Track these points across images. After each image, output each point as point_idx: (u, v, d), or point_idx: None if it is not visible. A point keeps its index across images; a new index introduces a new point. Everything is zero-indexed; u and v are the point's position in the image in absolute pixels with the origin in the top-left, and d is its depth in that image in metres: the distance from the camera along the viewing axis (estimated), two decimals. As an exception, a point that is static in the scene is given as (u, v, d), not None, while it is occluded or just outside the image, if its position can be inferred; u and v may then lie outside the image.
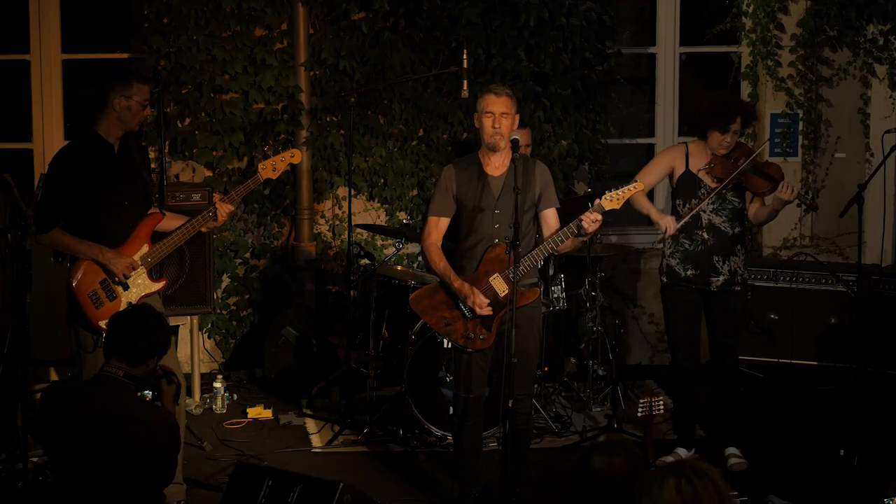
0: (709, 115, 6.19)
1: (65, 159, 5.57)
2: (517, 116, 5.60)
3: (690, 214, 6.21)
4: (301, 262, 8.07)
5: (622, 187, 5.50)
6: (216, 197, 5.79)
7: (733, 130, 6.14)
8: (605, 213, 5.48)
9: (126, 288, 5.54)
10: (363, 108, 7.90)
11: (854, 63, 8.28)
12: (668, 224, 6.22)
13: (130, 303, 5.52)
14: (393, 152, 8.02)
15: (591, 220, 5.44)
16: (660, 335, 8.32)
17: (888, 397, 7.32)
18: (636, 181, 5.60)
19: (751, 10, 8.24)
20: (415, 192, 8.09)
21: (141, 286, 5.58)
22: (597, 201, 5.49)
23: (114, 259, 5.49)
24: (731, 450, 6.41)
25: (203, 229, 5.73)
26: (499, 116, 5.49)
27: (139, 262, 5.55)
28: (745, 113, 6.22)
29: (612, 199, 5.49)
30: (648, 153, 8.53)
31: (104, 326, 5.45)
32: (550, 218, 5.65)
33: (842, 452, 6.29)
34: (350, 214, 7.13)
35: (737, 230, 6.25)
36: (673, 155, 6.36)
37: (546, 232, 5.64)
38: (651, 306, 8.35)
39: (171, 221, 5.73)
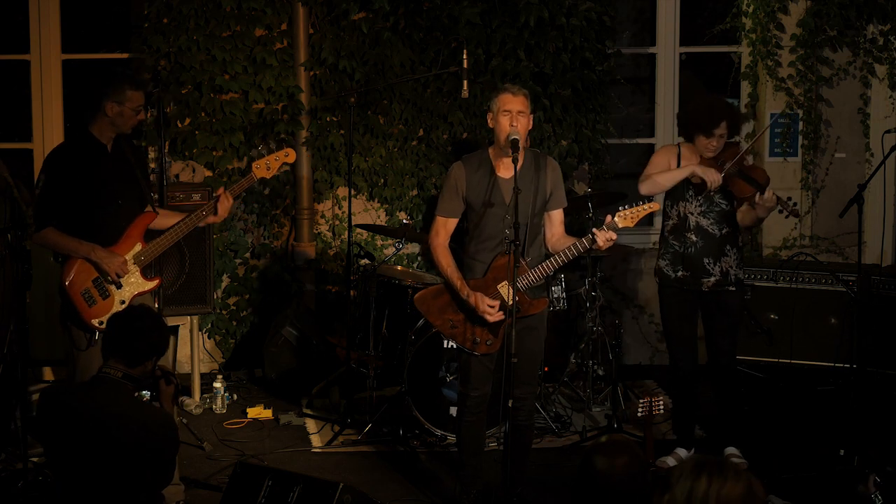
0: (694, 119, 6.19)
1: (58, 159, 5.60)
2: (531, 117, 5.57)
3: (721, 174, 6.12)
4: (301, 262, 8.07)
5: (636, 206, 5.46)
6: (220, 190, 5.74)
7: (718, 135, 6.13)
8: (617, 230, 5.46)
9: (119, 286, 5.55)
10: (363, 108, 7.90)
11: (854, 63, 8.28)
12: (713, 177, 6.07)
13: (123, 301, 5.53)
14: (393, 152, 8.02)
15: (605, 239, 5.39)
16: (660, 335, 8.33)
17: (888, 397, 7.32)
18: (652, 199, 5.56)
19: (751, 10, 8.24)
20: (415, 192, 8.09)
21: (134, 285, 5.59)
22: (609, 219, 5.44)
23: (106, 258, 5.50)
24: (731, 450, 6.41)
25: (201, 224, 5.74)
26: (516, 115, 5.43)
27: (132, 261, 5.57)
28: (731, 117, 6.18)
29: (625, 218, 5.45)
30: (648, 153, 8.53)
31: (97, 324, 5.47)
32: (556, 218, 5.62)
33: (842, 452, 6.29)
34: (350, 214, 7.13)
35: (724, 231, 6.25)
36: (668, 155, 6.36)
37: (549, 231, 5.63)
38: (651, 306, 8.35)
39: (166, 219, 5.75)
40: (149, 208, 5.76)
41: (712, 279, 6.24)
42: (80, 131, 5.64)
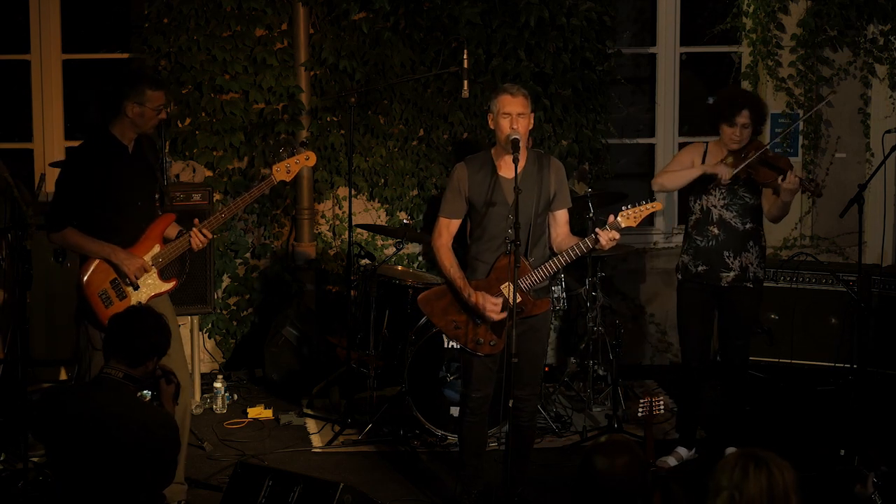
0: (717, 108, 6.24)
1: (79, 158, 5.57)
2: (532, 116, 5.57)
3: (743, 165, 6.14)
4: (301, 262, 8.07)
5: (638, 205, 5.45)
6: (231, 204, 5.73)
7: (741, 123, 6.15)
8: (620, 230, 5.45)
9: (136, 288, 5.55)
10: (363, 108, 7.90)
11: (854, 63, 8.28)
12: (723, 171, 6.13)
13: (140, 302, 5.52)
14: (393, 152, 8.02)
15: (608, 239, 5.38)
16: (660, 335, 8.33)
17: (888, 397, 7.32)
18: (654, 199, 5.55)
19: (751, 10, 8.24)
20: (415, 192, 8.09)
21: (151, 286, 5.59)
22: (612, 218, 5.43)
23: (126, 260, 5.49)
24: (732, 449, 6.40)
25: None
26: (516, 117, 5.43)
27: (151, 264, 5.56)
28: (753, 106, 6.21)
29: (628, 217, 5.44)
30: (648, 153, 8.54)
31: None
32: (561, 218, 5.62)
33: (842, 452, 6.29)
34: (350, 214, 7.13)
35: (748, 226, 6.25)
36: (693, 152, 6.37)
37: (554, 231, 5.63)
38: (651, 306, 8.35)
39: (170, 230, 5.74)
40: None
41: (731, 274, 6.23)
42: (101, 131, 5.59)
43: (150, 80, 5.59)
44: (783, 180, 6.06)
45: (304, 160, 5.81)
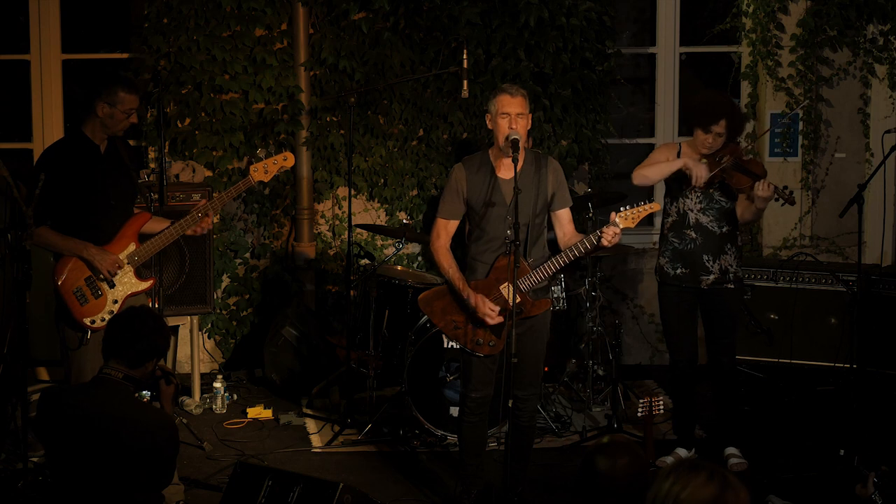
0: (695, 112, 6.21)
1: (51, 158, 5.60)
2: (530, 116, 5.55)
3: (718, 169, 6.12)
4: (301, 262, 8.07)
5: (636, 206, 5.45)
6: (202, 202, 5.72)
7: (716, 132, 6.12)
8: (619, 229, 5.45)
9: (112, 286, 5.55)
10: (363, 108, 7.90)
11: (854, 63, 8.28)
12: (700, 172, 6.11)
13: (116, 301, 5.53)
14: (393, 152, 8.02)
15: (611, 234, 5.37)
16: (659, 335, 8.32)
17: (888, 397, 7.32)
18: (652, 200, 5.54)
19: (751, 10, 8.24)
20: (415, 192, 8.09)
21: (127, 284, 5.59)
22: (613, 216, 5.45)
23: (98, 256, 5.50)
24: (731, 450, 6.41)
25: (188, 232, 5.71)
26: (514, 117, 5.43)
27: (125, 261, 5.57)
28: (731, 116, 6.17)
29: (626, 218, 5.44)
30: (648, 153, 8.51)
31: (88, 323, 5.47)
32: (564, 217, 5.62)
33: (842, 452, 6.29)
34: (350, 214, 7.13)
35: (725, 229, 6.25)
36: (667, 152, 6.36)
37: (559, 231, 5.62)
38: (651, 306, 8.34)
39: (154, 224, 5.74)
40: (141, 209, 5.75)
41: (711, 277, 6.25)
42: (74, 131, 5.64)
43: (125, 82, 5.59)
44: (757, 188, 6.05)
45: (283, 161, 5.82)
